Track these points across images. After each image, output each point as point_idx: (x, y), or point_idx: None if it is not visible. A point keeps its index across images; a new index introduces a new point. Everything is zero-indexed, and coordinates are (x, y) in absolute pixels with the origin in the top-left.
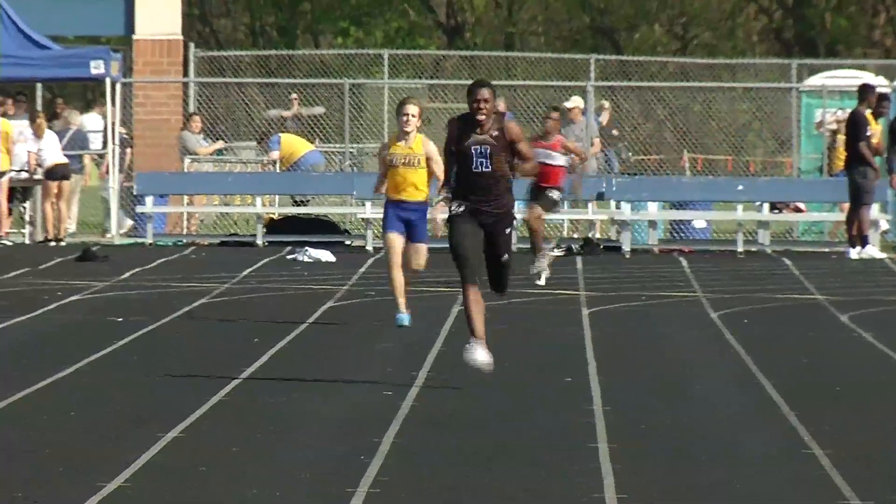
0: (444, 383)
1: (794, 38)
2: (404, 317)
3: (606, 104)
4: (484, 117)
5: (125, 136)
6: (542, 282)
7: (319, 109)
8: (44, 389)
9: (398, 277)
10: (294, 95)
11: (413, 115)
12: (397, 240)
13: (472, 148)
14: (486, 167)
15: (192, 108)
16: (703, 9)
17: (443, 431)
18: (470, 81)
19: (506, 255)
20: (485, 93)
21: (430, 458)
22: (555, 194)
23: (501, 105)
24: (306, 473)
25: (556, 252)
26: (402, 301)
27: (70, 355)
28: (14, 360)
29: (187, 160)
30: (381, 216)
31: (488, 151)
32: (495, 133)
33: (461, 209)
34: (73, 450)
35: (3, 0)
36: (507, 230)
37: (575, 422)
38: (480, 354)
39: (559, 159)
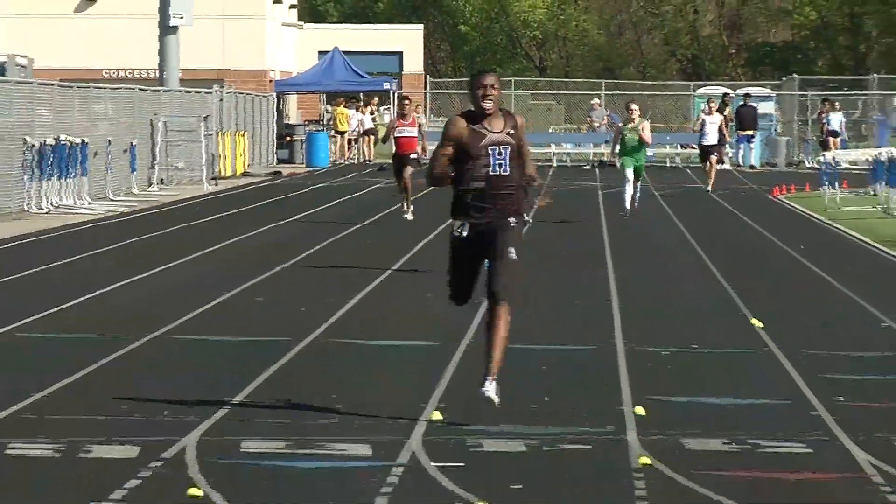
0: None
1: (692, 71)
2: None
3: (598, 101)
4: (491, 104)
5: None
6: (409, 216)
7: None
8: (349, 235)
9: None
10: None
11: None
12: None
13: (490, 148)
14: (506, 170)
15: (427, 107)
16: (652, 60)
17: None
18: (549, 93)
19: (513, 251)
20: (490, 79)
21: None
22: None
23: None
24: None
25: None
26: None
27: (370, 215)
28: (345, 216)
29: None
30: None
31: (508, 152)
32: (511, 131)
33: (465, 230)
34: (350, 275)
35: (343, 55)
36: (512, 221)
37: (592, 244)
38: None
39: (414, 132)
